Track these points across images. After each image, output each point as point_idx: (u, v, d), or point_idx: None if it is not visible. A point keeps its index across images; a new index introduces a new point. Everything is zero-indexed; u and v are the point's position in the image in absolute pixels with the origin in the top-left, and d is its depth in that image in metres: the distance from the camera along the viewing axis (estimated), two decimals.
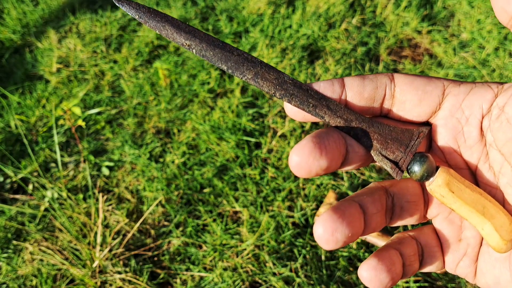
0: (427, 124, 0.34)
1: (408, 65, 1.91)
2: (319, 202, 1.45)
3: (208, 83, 1.86)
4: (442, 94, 0.33)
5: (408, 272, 0.33)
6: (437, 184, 0.32)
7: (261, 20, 2.13)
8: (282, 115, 1.72)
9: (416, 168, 0.32)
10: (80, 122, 1.55)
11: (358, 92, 0.32)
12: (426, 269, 0.35)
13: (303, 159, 0.29)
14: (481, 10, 2.11)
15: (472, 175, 0.34)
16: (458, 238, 0.34)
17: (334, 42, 2.00)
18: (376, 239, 1.27)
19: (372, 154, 0.33)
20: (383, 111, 0.34)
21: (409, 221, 0.34)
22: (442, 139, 0.33)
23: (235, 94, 1.79)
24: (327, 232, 0.29)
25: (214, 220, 1.43)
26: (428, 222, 0.36)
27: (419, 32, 2.06)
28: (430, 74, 1.88)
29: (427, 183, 0.33)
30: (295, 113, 0.33)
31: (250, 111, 1.72)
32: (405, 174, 0.34)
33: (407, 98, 0.33)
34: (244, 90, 1.83)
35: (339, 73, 1.86)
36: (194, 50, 0.32)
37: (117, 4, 0.33)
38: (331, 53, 1.97)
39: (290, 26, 2.10)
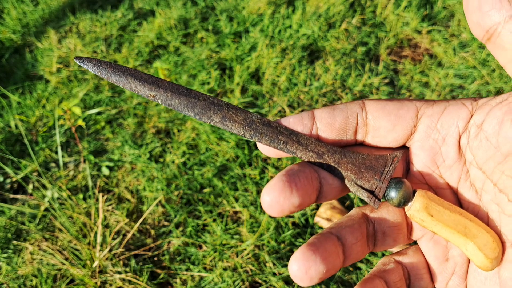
0: (404, 148, 0.34)
1: (408, 65, 1.91)
2: None
3: (208, 83, 1.86)
4: (415, 117, 0.32)
5: None
6: (415, 209, 0.31)
7: (261, 20, 2.13)
8: (282, 115, 1.72)
9: (393, 195, 0.32)
10: (80, 122, 1.55)
11: (328, 123, 0.32)
12: None
13: (274, 199, 0.29)
14: None
15: (454, 195, 0.34)
16: (445, 258, 0.34)
17: (334, 42, 2.00)
18: None
19: (348, 185, 0.32)
20: (357, 140, 0.34)
21: (393, 245, 0.34)
22: (420, 161, 0.33)
23: (235, 94, 1.79)
24: (301, 271, 0.28)
25: (214, 220, 1.43)
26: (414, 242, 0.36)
27: (419, 32, 2.06)
28: (430, 74, 1.88)
29: (405, 208, 0.32)
30: (268, 150, 0.33)
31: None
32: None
33: (381, 125, 0.32)
34: (244, 90, 1.83)
35: (339, 73, 1.86)
36: (159, 100, 0.32)
37: (78, 63, 0.33)
38: (331, 53, 1.97)
39: (290, 26, 2.10)
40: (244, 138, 1.62)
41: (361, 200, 1.46)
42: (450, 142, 0.32)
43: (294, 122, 0.32)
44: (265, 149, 0.33)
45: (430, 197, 0.31)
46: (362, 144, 0.34)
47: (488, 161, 0.31)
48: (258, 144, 0.33)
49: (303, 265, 0.28)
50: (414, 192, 0.32)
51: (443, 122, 0.32)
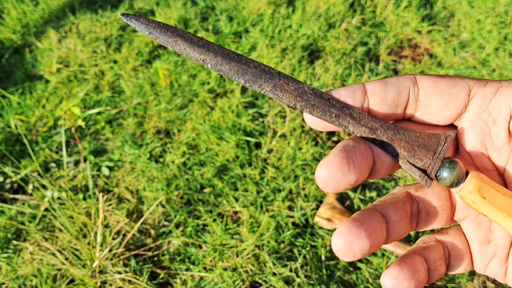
0: (452, 126, 0.34)
1: (408, 65, 1.91)
2: (319, 202, 1.45)
3: (208, 83, 1.86)
4: (467, 96, 0.32)
5: (434, 277, 0.33)
6: (468, 190, 0.31)
7: (261, 20, 2.13)
8: (282, 115, 1.72)
9: (446, 175, 0.31)
10: (80, 122, 1.55)
11: (381, 98, 0.31)
12: (453, 272, 0.34)
13: (331, 175, 0.28)
14: (481, 10, 2.11)
15: (501, 177, 0.33)
16: (487, 240, 0.34)
17: (334, 42, 2.00)
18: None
19: (400, 163, 0.32)
20: (406, 115, 0.33)
21: (436, 225, 0.34)
22: (469, 142, 0.33)
23: (235, 94, 1.79)
24: (345, 245, 0.28)
25: (214, 220, 1.43)
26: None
27: (419, 32, 2.06)
28: (430, 74, 1.88)
29: (457, 189, 0.32)
30: (316, 123, 0.32)
31: (250, 111, 1.72)
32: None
33: (432, 102, 0.32)
34: (244, 90, 1.83)
35: (339, 73, 1.86)
36: (209, 65, 0.31)
37: (125, 20, 0.31)
38: (331, 53, 1.97)
39: (290, 26, 2.10)
40: (293, 108, 1.62)
41: (361, 200, 1.46)
42: (501, 124, 0.32)
43: (346, 95, 0.31)
44: (313, 122, 0.32)
45: (483, 179, 0.31)
46: (409, 119, 0.33)
47: None
48: (306, 116, 0.32)
49: (347, 240, 0.28)
50: (466, 173, 0.31)
51: (495, 103, 0.31)
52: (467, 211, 0.34)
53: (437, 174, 0.32)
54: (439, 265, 0.33)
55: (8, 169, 1.55)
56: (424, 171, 0.32)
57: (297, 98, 0.31)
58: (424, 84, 0.32)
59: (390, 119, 0.33)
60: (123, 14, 0.31)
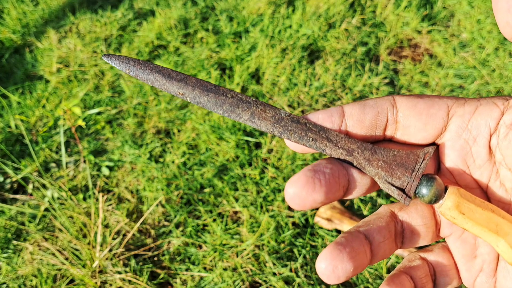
0: (434, 144, 0.34)
1: (408, 65, 1.91)
2: None
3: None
4: (446, 116, 0.32)
5: None
6: (446, 207, 0.31)
7: (261, 20, 2.13)
8: None
9: (424, 192, 0.31)
10: (80, 122, 1.55)
11: (358, 120, 0.32)
12: None
13: (296, 193, 0.29)
14: (481, 10, 2.11)
15: (484, 194, 0.34)
16: (473, 255, 0.34)
17: (334, 42, 2.00)
18: None
19: (378, 183, 0.32)
20: (386, 136, 0.33)
21: (421, 243, 0.34)
22: (450, 160, 0.33)
23: None
24: (328, 269, 0.29)
25: (214, 220, 1.43)
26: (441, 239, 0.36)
27: (419, 32, 2.06)
28: (430, 74, 1.88)
29: (436, 206, 0.32)
30: (295, 146, 0.33)
31: None
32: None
33: (411, 123, 0.32)
34: (244, 90, 1.83)
35: (339, 73, 1.86)
36: (188, 98, 0.32)
37: (106, 60, 0.32)
38: (331, 53, 1.97)
39: (290, 26, 2.10)
40: (272, 135, 1.62)
41: (361, 200, 1.46)
42: (481, 142, 0.32)
43: (324, 118, 0.32)
44: (293, 145, 0.33)
45: (462, 194, 0.31)
46: (390, 140, 0.34)
47: None
48: (286, 141, 0.32)
49: (331, 264, 0.29)
50: (445, 189, 0.31)
51: (475, 122, 0.32)
52: (452, 228, 0.34)
53: (416, 192, 0.32)
54: (426, 282, 0.33)
55: (8, 169, 1.55)
56: (402, 189, 0.32)
57: (275, 124, 0.32)
58: (403, 106, 0.32)
59: (369, 140, 0.33)
60: (104, 55, 0.32)
